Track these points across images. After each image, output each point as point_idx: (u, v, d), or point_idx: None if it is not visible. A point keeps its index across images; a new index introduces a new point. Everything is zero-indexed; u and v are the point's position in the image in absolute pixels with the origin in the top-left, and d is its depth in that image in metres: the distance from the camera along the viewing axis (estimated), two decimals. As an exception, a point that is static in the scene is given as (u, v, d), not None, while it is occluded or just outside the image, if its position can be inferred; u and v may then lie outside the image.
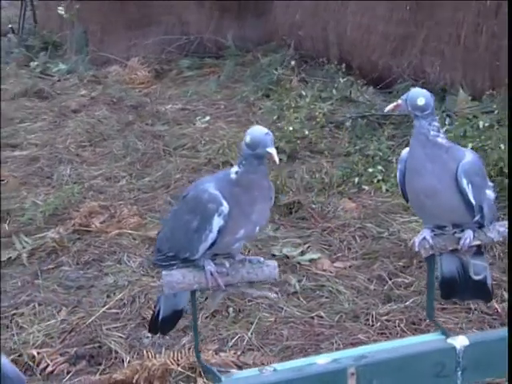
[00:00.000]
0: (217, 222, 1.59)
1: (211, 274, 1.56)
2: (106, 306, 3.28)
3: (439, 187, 1.68)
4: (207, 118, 5.90)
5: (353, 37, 6.64)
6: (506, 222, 1.71)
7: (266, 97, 6.21)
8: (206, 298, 3.31)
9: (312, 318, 3.21)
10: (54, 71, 7.58)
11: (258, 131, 1.60)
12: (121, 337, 3.06)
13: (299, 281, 3.50)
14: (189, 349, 2.96)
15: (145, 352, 2.90)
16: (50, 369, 2.89)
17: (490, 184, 1.77)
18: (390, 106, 1.73)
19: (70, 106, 6.36)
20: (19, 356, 2.94)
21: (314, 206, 4.24)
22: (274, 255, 3.72)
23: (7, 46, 8.69)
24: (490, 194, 1.73)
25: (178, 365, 2.87)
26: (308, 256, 3.71)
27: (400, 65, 6.12)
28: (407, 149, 1.74)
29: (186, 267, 1.58)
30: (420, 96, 1.71)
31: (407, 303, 3.26)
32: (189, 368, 2.85)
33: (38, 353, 2.94)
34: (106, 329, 3.13)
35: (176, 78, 7.17)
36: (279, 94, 5.95)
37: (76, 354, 2.97)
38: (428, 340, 1.51)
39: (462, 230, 1.71)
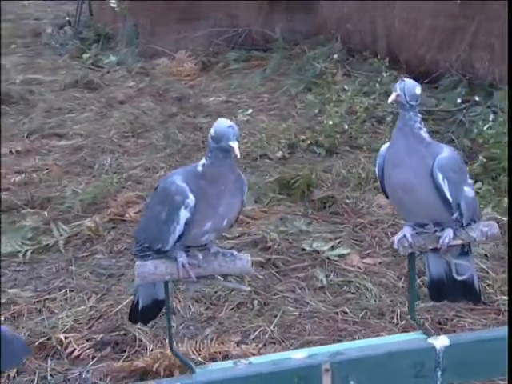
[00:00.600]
0: (183, 215, 1.58)
1: (183, 266, 1.56)
2: (134, 295, 3.34)
3: (415, 182, 1.65)
4: (249, 110, 5.90)
5: (401, 29, 6.53)
6: (490, 222, 1.66)
7: (309, 90, 6.17)
8: (232, 291, 3.34)
9: (336, 313, 3.20)
10: (104, 63, 7.72)
11: (222, 124, 1.60)
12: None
13: (327, 276, 3.48)
14: (211, 339, 3.00)
15: (167, 341, 2.94)
16: (76, 353, 2.97)
17: (470, 181, 1.71)
18: (392, 97, 1.70)
19: (116, 97, 6.47)
20: (48, 339, 3.04)
21: (348, 201, 4.21)
22: (303, 249, 3.72)
23: (62, 38, 8.92)
24: (469, 191, 1.68)
25: (199, 354, 2.91)
26: (338, 251, 3.68)
27: (448, 59, 5.99)
28: (387, 144, 1.72)
29: (160, 258, 1.59)
30: (416, 85, 1.69)
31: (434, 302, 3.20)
32: (210, 358, 2.89)
33: (66, 337, 3.03)
34: (133, 317, 3.18)
35: (222, 71, 7.20)
36: (322, 87, 5.91)
37: (102, 340, 3.05)
38: (408, 339, 1.49)
39: (443, 229, 1.67)
